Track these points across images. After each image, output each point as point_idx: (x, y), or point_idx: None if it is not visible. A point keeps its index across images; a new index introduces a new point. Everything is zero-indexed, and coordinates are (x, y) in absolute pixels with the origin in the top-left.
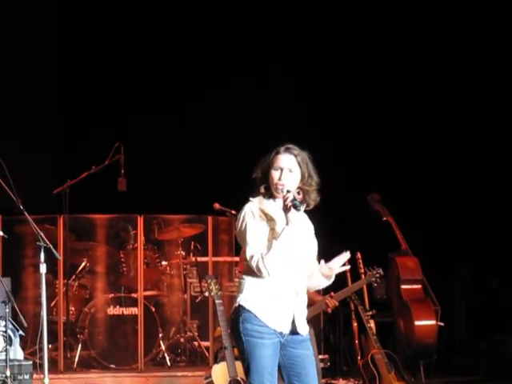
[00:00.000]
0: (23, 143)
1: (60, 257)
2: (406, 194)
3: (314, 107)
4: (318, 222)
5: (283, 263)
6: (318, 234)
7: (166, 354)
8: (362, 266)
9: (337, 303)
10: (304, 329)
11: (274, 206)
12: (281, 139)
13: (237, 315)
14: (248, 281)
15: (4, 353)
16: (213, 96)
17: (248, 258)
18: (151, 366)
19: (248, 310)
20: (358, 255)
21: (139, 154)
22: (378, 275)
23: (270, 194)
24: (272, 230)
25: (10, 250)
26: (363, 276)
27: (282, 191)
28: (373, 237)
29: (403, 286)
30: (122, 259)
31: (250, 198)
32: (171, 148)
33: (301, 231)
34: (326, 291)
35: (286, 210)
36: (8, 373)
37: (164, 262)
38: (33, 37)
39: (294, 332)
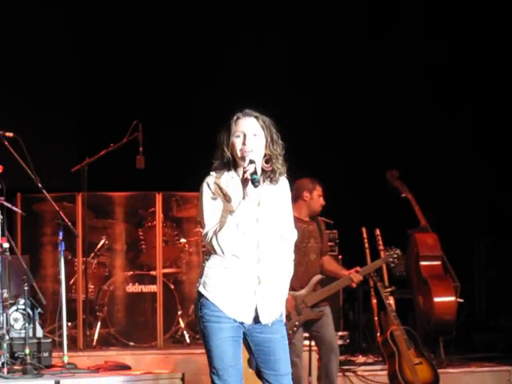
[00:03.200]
0: (42, 122)
1: (79, 234)
2: (424, 170)
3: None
4: (336, 199)
5: (242, 245)
6: (338, 212)
7: (185, 332)
8: (381, 242)
9: (361, 278)
10: (268, 317)
11: (236, 179)
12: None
13: (197, 300)
14: (207, 265)
15: (23, 331)
16: (232, 69)
17: (203, 235)
18: (170, 343)
19: (206, 297)
20: (377, 232)
21: (157, 132)
22: (395, 255)
23: (229, 167)
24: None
25: (28, 228)
26: (382, 253)
27: (247, 159)
28: (392, 213)
29: (422, 263)
30: (141, 237)
31: (211, 172)
32: (189, 125)
33: (264, 207)
34: (350, 266)
35: (244, 182)
36: (27, 351)
37: (183, 240)
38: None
39: (256, 321)
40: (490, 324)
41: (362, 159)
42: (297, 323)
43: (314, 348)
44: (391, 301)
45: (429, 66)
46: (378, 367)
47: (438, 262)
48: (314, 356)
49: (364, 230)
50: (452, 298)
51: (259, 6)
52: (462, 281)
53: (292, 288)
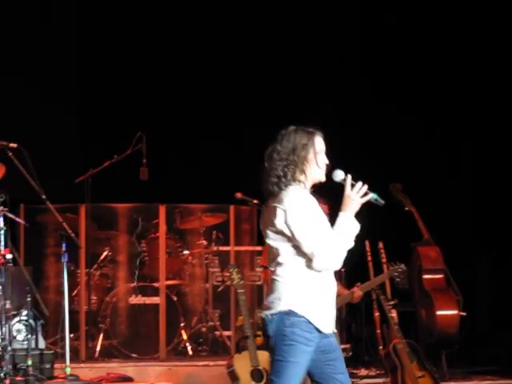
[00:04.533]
0: (46, 133)
1: (82, 246)
2: (427, 184)
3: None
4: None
5: None
6: None
7: (187, 344)
8: (384, 255)
9: (361, 294)
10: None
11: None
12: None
13: (282, 318)
14: (289, 282)
15: (26, 342)
16: (235, 81)
17: (314, 253)
18: (173, 355)
19: (299, 315)
20: (380, 245)
21: (161, 144)
22: (400, 270)
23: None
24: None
25: (32, 239)
26: (385, 266)
27: (345, 176)
28: (395, 226)
29: (425, 276)
30: (144, 248)
31: (292, 185)
32: (193, 137)
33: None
34: (351, 283)
35: (349, 197)
36: (30, 362)
37: (186, 252)
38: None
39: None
40: (492, 337)
41: (365, 172)
42: None
43: None
44: (394, 314)
45: (434, 83)
46: (381, 380)
47: (441, 276)
48: None
49: (367, 243)
50: (454, 312)
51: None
52: (464, 294)
53: None
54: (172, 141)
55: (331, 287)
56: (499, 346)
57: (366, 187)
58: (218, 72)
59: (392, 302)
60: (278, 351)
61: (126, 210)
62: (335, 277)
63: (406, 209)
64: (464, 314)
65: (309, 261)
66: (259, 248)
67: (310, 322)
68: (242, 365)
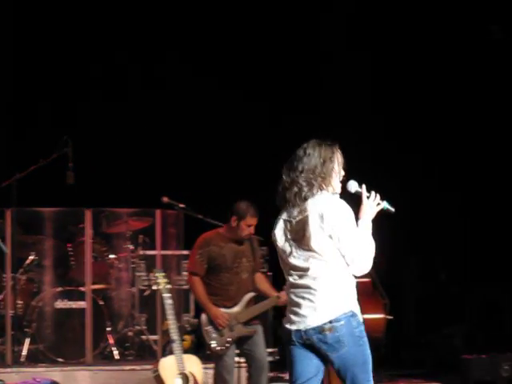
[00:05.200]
0: None
1: (7, 250)
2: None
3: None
4: (265, 216)
5: None
6: (268, 229)
7: (114, 348)
8: None
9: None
10: None
11: None
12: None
13: (349, 321)
14: (344, 284)
15: None
16: (162, 90)
17: (351, 257)
18: (99, 359)
19: (356, 314)
20: None
21: (87, 147)
22: None
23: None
24: None
25: None
26: None
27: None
28: None
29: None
30: (71, 253)
31: (336, 196)
32: (119, 141)
33: None
34: (278, 287)
35: (367, 206)
36: None
37: (112, 256)
38: None
39: None
40: (418, 341)
41: None
42: (229, 339)
43: (243, 365)
44: None
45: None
46: None
47: (367, 279)
48: (243, 373)
49: None
50: (381, 315)
51: None
52: (390, 298)
53: (224, 305)
54: (98, 145)
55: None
56: (425, 349)
57: (378, 196)
58: (142, 74)
59: None
60: (356, 354)
61: (52, 215)
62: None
63: None
64: (390, 317)
65: (345, 263)
66: (186, 252)
67: (361, 319)
68: (168, 369)
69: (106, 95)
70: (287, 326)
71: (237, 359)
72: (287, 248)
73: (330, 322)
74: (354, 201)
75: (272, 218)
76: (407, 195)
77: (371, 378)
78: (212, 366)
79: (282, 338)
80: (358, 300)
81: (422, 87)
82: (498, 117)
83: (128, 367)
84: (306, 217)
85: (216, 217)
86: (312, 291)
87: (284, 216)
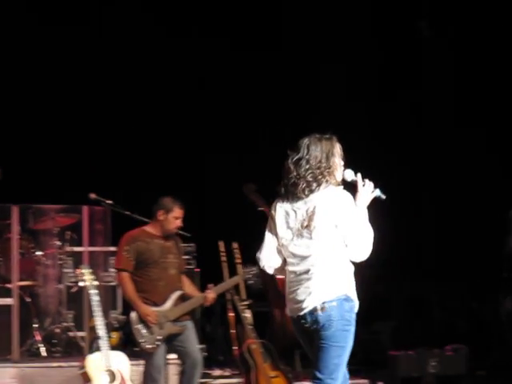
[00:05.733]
0: None
1: None
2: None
3: None
4: (193, 213)
5: None
6: (195, 225)
7: (41, 345)
8: (238, 256)
9: (215, 296)
10: None
11: None
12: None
13: (342, 304)
14: (337, 270)
15: None
16: (88, 85)
17: (354, 245)
18: (26, 356)
19: (352, 300)
20: (235, 246)
21: (14, 143)
22: (252, 273)
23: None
24: None
25: None
26: (239, 267)
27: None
28: (249, 227)
29: (279, 276)
30: None
31: (330, 186)
32: (47, 137)
33: None
34: (205, 284)
35: (364, 194)
36: None
37: (39, 252)
38: None
39: None
40: None
41: (221, 173)
42: (159, 337)
43: (173, 362)
44: (248, 314)
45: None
46: (235, 380)
47: None
48: (172, 370)
49: (221, 243)
50: None
51: None
52: None
53: (154, 303)
54: (25, 140)
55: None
56: (354, 344)
57: (372, 184)
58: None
59: (246, 303)
60: (338, 336)
61: None
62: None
63: (260, 209)
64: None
65: (344, 251)
66: (113, 249)
67: (356, 306)
68: (95, 366)
69: (31, 89)
70: (289, 314)
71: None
72: (288, 236)
73: (324, 302)
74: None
75: (199, 215)
76: None
77: (341, 366)
78: (139, 362)
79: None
80: (283, 297)
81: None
82: None
83: (55, 364)
84: (314, 208)
85: (143, 213)
86: (310, 276)
87: (286, 206)
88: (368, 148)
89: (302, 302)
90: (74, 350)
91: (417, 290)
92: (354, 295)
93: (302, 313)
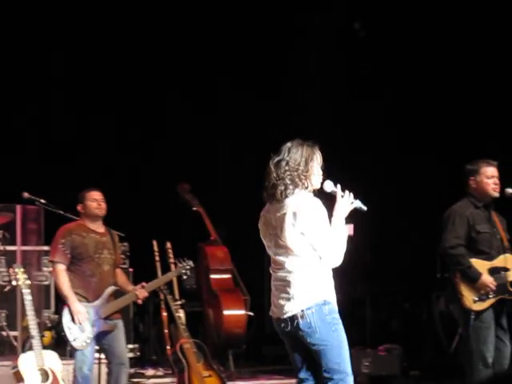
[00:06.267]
0: None
1: None
2: (216, 183)
3: None
4: (127, 212)
5: None
6: (129, 225)
7: None
8: (171, 255)
9: (147, 294)
10: None
11: None
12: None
13: (321, 309)
14: (312, 276)
15: None
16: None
17: (323, 252)
18: None
19: (329, 302)
20: (168, 245)
21: None
22: (188, 267)
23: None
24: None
25: None
26: (173, 266)
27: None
28: (183, 227)
29: (212, 276)
30: None
31: (301, 191)
32: None
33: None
34: (136, 282)
35: (342, 204)
36: None
37: None
38: None
39: None
40: (279, 337)
41: (154, 172)
42: (90, 335)
43: (104, 361)
44: (181, 314)
45: None
46: (168, 380)
47: (228, 276)
48: (104, 369)
49: (155, 243)
50: (242, 312)
51: None
52: (252, 294)
53: (86, 299)
54: None
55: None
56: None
57: (352, 196)
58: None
59: (179, 302)
60: (328, 339)
61: None
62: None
63: (194, 209)
64: (251, 313)
65: (319, 256)
66: (46, 248)
67: (335, 306)
68: (27, 365)
69: None
70: (271, 314)
71: (97, 355)
72: (268, 242)
73: (302, 310)
74: (331, 200)
75: (132, 214)
76: None
77: (343, 362)
78: (72, 361)
79: None
80: (217, 297)
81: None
82: None
83: None
84: (284, 214)
85: (77, 212)
86: (288, 283)
87: (266, 211)
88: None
89: (282, 307)
90: (6, 349)
91: (352, 291)
92: (332, 298)
93: (282, 317)
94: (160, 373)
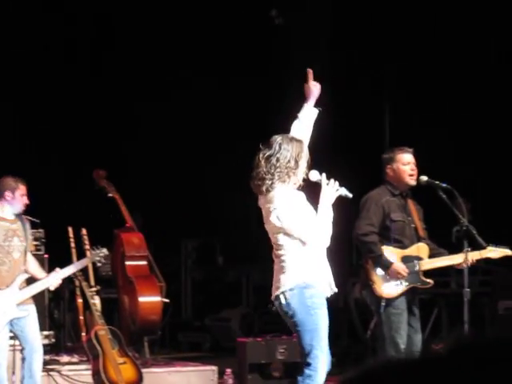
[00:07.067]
0: None
1: None
2: (129, 169)
3: None
4: (42, 198)
5: None
6: (44, 210)
7: None
8: (87, 242)
9: (60, 281)
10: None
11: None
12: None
13: (301, 292)
14: (295, 261)
15: None
16: None
17: (309, 235)
18: None
19: (312, 286)
20: (84, 231)
21: None
22: (102, 254)
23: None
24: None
25: None
26: (89, 253)
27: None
28: (98, 213)
29: (128, 263)
30: None
31: (279, 186)
32: None
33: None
34: (51, 268)
35: (330, 192)
36: None
37: None
38: None
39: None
40: (195, 324)
41: (70, 158)
42: (2, 322)
43: (18, 347)
44: (96, 300)
45: None
46: (83, 367)
47: (144, 262)
48: (18, 355)
49: (70, 229)
50: (157, 298)
51: None
52: (168, 281)
53: None
54: None
55: (323, 259)
56: (202, 332)
57: (337, 183)
58: None
59: (94, 289)
60: (304, 322)
61: None
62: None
63: (110, 195)
64: (167, 300)
65: (303, 242)
66: None
67: (320, 291)
68: None
69: None
70: None
71: (12, 342)
72: (268, 229)
73: (283, 292)
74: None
75: (47, 200)
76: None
77: (316, 346)
78: None
79: None
80: (132, 283)
81: None
82: None
83: None
84: (269, 207)
85: None
86: (277, 267)
87: (260, 203)
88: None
89: (273, 288)
90: None
91: (266, 278)
92: (314, 281)
93: (273, 298)
94: (75, 359)
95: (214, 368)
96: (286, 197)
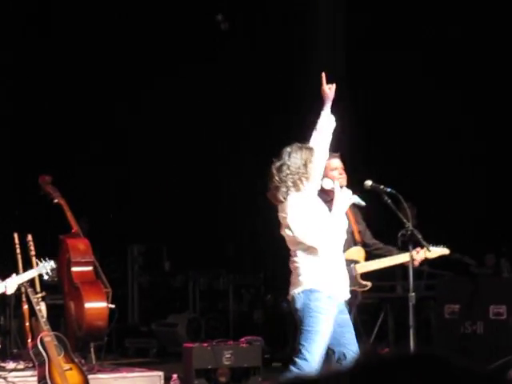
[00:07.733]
0: None
1: None
2: (76, 175)
3: None
4: None
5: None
6: None
7: None
8: (33, 248)
9: (12, 291)
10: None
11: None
12: None
13: (307, 295)
14: (306, 266)
15: None
16: None
17: (314, 239)
18: None
19: (319, 291)
20: (29, 238)
21: None
22: (49, 267)
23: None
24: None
25: None
26: (34, 259)
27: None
28: (44, 219)
29: (74, 269)
30: None
31: (293, 194)
32: None
33: None
34: (1, 272)
35: (338, 200)
36: None
37: None
38: None
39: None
40: (142, 330)
41: (11, 164)
42: None
43: None
44: (42, 306)
45: None
46: (29, 373)
47: (90, 268)
48: None
49: (16, 235)
50: (103, 304)
51: None
52: (114, 287)
53: None
54: None
55: (339, 264)
56: (149, 337)
57: (350, 192)
58: None
59: (40, 295)
60: (305, 322)
61: None
62: None
63: (56, 201)
64: (113, 306)
65: (314, 249)
66: None
67: (327, 296)
68: None
69: None
70: None
71: None
72: (285, 235)
73: (294, 293)
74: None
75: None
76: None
77: (308, 348)
78: None
79: None
80: (78, 289)
81: None
82: None
83: None
84: (283, 216)
85: None
86: (292, 271)
87: (279, 212)
88: None
89: (290, 288)
90: None
91: (214, 283)
92: (322, 287)
93: (289, 297)
94: (21, 366)
95: (161, 373)
96: (297, 206)
